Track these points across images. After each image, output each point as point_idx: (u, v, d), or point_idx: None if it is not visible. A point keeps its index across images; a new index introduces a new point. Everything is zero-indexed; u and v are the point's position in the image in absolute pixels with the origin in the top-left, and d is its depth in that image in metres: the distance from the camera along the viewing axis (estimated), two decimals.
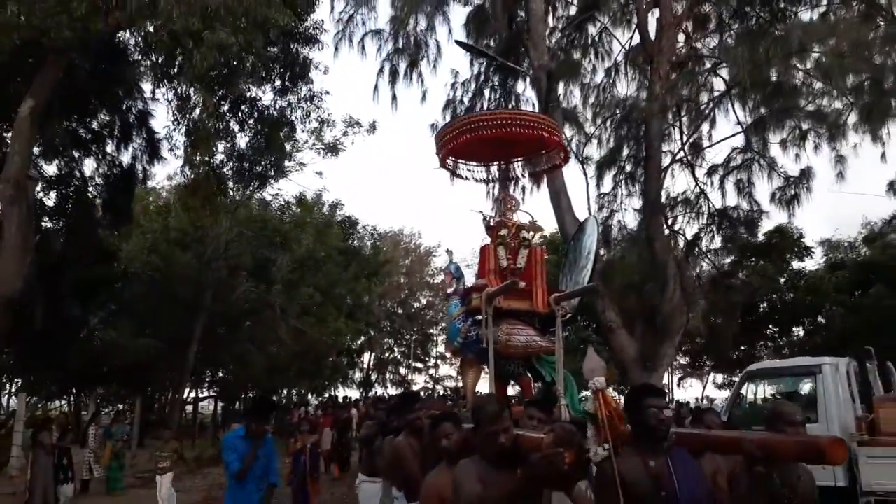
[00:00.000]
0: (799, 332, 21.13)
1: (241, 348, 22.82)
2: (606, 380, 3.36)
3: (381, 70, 13.10)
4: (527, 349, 6.28)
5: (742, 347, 20.89)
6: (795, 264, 21.87)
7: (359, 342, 37.21)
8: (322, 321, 22.92)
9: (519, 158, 7.53)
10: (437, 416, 3.85)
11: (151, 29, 10.57)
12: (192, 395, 27.89)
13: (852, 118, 12.89)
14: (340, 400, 28.19)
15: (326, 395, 34.81)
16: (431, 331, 47.13)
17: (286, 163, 18.64)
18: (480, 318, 6.17)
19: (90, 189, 16.57)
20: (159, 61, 11.29)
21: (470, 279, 7.18)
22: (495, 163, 7.57)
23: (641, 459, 2.99)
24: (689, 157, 15.15)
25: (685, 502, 2.90)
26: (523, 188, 13.16)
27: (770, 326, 20.69)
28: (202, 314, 20.63)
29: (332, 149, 21.47)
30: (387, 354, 47.83)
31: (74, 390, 22.48)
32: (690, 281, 12.12)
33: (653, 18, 13.14)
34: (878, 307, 16.60)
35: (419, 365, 48.83)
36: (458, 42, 11.45)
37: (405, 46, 12.74)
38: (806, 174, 14.62)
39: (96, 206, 16.66)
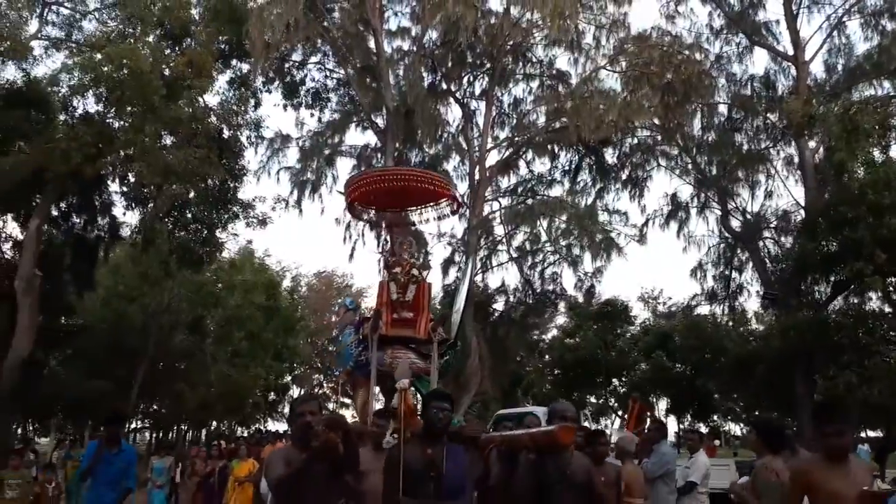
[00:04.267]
0: (616, 382, 27.15)
1: (177, 387, 27.24)
2: (409, 382, 4.28)
3: (291, 192, 18.59)
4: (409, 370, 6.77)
5: (575, 393, 26.64)
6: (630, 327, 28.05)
7: (287, 379, 41.51)
8: (247, 366, 27.62)
9: (417, 207, 8.62)
10: (300, 397, 4.45)
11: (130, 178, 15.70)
12: (132, 426, 31.99)
13: None
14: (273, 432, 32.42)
15: (254, 427, 39.00)
16: None
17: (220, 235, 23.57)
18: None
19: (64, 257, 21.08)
20: (130, 193, 16.42)
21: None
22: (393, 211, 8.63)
23: (422, 447, 3.74)
24: (517, 257, 21.00)
25: (447, 481, 3.68)
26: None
27: (598, 378, 26.40)
28: (145, 359, 25.07)
29: (262, 222, 26.56)
30: (316, 390, 51.86)
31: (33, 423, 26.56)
32: (485, 353, 17.65)
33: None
34: (659, 367, 22.62)
35: (347, 401, 52.48)
36: (339, 191, 16.87)
37: (307, 180, 18.26)
38: (601, 269, 20.62)
39: (64, 271, 21.14)
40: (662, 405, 28.06)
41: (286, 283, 38.24)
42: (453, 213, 9.27)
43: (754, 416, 16.80)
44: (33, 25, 18.00)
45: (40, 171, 15.55)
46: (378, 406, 7.00)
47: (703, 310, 24.65)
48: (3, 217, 19.90)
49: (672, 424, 26.34)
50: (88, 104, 16.75)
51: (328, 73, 21.59)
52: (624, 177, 21.36)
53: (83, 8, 18.68)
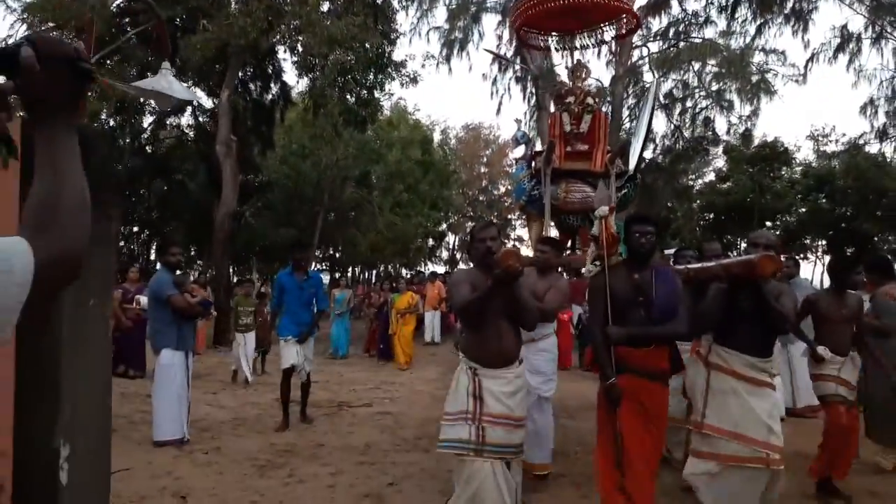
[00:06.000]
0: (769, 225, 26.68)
1: (350, 234, 30.61)
2: (609, 210, 3.99)
3: (441, 51, 19.55)
4: (583, 205, 6.88)
5: (727, 237, 26.57)
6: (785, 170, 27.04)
7: (443, 227, 44.47)
8: (409, 215, 30.24)
9: (595, 25, 8.01)
10: (480, 224, 4.23)
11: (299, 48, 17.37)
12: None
13: None
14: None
15: (416, 269, 42.73)
16: (510, 216, 53.60)
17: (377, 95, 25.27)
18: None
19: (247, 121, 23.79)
20: (299, 62, 18.18)
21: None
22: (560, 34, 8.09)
23: (628, 273, 3.70)
24: (666, 104, 20.79)
25: (658, 306, 3.62)
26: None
27: (752, 221, 26.13)
28: (321, 209, 28.26)
29: (413, 80, 27.90)
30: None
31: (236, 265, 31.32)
32: None
33: None
34: (815, 210, 22.05)
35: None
36: (486, 49, 17.51)
37: (455, 38, 19.04)
38: (755, 111, 20.09)
39: (248, 133, 23.97)
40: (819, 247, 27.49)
41: (436, 137, 40.03)
42: (631, 31, 8.55)
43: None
44: None
45: (223, 47, 17.52)
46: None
47: (874, 149, 23.29)
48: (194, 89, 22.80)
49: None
50: None
51: None
52: (787, 10, 19.93)
53: None
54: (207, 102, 23.67)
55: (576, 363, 11.38)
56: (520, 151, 8.04)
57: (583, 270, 4.54)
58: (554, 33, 8.39)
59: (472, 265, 3.99)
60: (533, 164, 7.50)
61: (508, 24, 7.96)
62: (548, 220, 7.04)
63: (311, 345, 7.12)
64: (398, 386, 10.15)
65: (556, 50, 8.77)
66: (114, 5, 18.25)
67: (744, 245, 26.79)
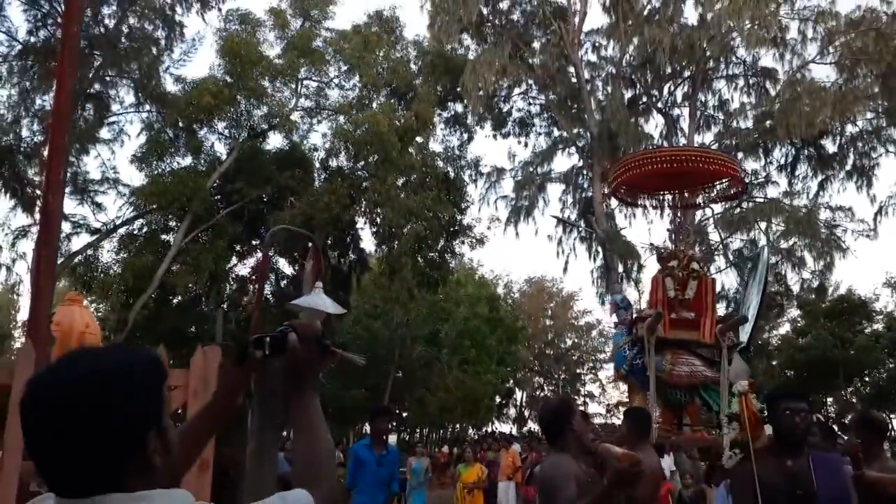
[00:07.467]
0: (858, 383, 25.38)
1: (419, 393, 30.64)
2: (750, 386, 3.55)
3: (508, 220, 20.62)
4: (691, 378, 6.45)
5: (811, 395, 25.25)
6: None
7: (510, 383, 43.79)
8: (477, 373, 30.26)
9: (696, 189, 7.91)
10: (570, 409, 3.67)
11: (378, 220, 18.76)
12: None
13: None
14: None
15: (484, 430, 41.71)
16: (579, 371, 52.23)
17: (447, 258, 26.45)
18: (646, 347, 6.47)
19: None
20: (377, 231, 19.51)
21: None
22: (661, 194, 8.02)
23: (778, 460, 3.13)
24: (735, 262, 20.97)
25: (824, 501, 2.97)
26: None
27: (837, 378, 24.97)
28: (391, 369, 28.60)
29: (480, 241, 29.14)
30: (538, 393, 53.60)
31: None
32: None
33: None
34: None
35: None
36: (552, 216, 18.60)
37: (521, 206, 20.15)
38: (829, 266, 20.01)
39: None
40: None
41: (500, 291, 40.59)
42: (737, 194, 8.56)
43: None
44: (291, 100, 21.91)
45: (308, 220, 19.01)
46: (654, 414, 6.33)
47: None
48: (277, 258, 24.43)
49: None
50: (340, 160, 20.17)
51: (531, 101, 23.39)
52: (848, 167, 20.43)
53: (326, 78, 22.22)
54: (288, 269, 25.21)
55: None
56: (619, 317, 7.67)
57: (723, 460, 3.98)
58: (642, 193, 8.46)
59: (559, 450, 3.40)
60: (634, 330, 7.06)
61: (604, 179, 7.45)
62: (653, 393, 6.61)
63: None
64: None
65: (621, 208, 8.93)
66: (210, 186, 20.10)
67: (829, 399, 25.59)
